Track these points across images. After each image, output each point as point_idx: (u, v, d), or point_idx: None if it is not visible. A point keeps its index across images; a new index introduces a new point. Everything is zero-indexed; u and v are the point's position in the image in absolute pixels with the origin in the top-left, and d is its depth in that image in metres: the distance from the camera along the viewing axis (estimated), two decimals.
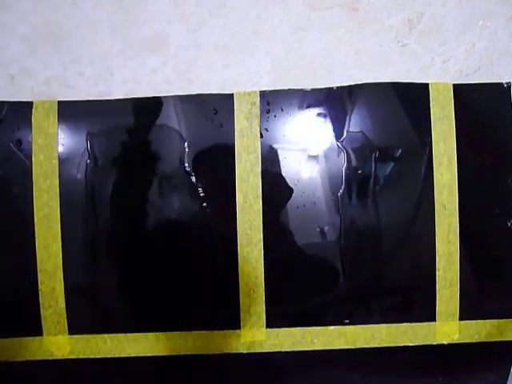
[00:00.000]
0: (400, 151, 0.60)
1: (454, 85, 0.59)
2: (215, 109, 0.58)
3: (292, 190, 0.59)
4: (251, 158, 0.58)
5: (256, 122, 0.58)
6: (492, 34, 0.58)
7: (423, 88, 0.59)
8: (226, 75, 0.58)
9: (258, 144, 0.58)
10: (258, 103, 0.58)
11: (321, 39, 0.57)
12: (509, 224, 0.60)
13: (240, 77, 0.58)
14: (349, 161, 0.59)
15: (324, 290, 0.61)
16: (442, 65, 0.59)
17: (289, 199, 0.59)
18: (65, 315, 0.58)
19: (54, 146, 0.57)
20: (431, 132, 0.59)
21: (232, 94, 0.58)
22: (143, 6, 0.54)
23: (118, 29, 0.55)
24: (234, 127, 0.58)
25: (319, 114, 0.59)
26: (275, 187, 0.59)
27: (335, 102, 0.59)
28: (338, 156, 0.59)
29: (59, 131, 0.58)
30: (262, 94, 0.58)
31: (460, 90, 0.59)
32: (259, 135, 0.58)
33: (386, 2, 0.55)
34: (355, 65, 0.59)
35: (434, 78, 0.60)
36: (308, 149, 0.59)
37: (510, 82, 0.60)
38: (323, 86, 0.58)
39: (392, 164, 0.60)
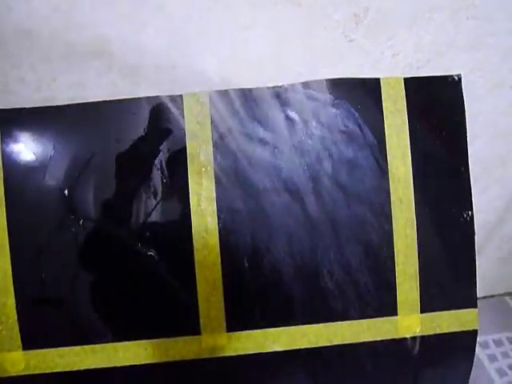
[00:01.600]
0: (362, 146, 0.59)
1: (404, 78, 0.59)
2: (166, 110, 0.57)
3: (261, 189, 0.58)
4: (203, 159, 0.57)
5: (207, 122, 0.57)
6: (439, 27, 0.59)
7: (375, 82, 0.59)
8: (173, 76, 0.56)
9: (210, 145, 0.57)
10: (207, 104, 0.57)
11: (268, 37, 0.56)
12: (464, 215, 0.61)
13: (187, 78, 0.57)
14: (310, 155, 0.59)
15: (284, 290, 0.60)
16: (391, 59, 0.59)
17: (257, 199, 0.58)
18: (17, 330, 0.56)
19: None
20: (384, 125, 0.59)
21: (181, 96, 0.57)
22: (81, 10, 0.52)
23: (58, 33, 0.53)
24: (185, 129, 0.57)
25: (274, 112, 0.59)
26: (238, 188, 0.58)
27: (288, 99, 0.58)
28: (296, 151, 0.58)
29: (2, 139, 0.56)
30: (211, 94, 0.57)
31: (411, 84, 0.59)
32: (211, 136, 0.57)
33: None
34: (305, 61, 0.58)
35: (385, 72, 0.60)
36: (265, 145, 0.58)
37: (460, 74, 0.60)
38: (274, 84, 0.57)
39: (355, 158, 0.59)
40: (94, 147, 0.57)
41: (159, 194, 0.58)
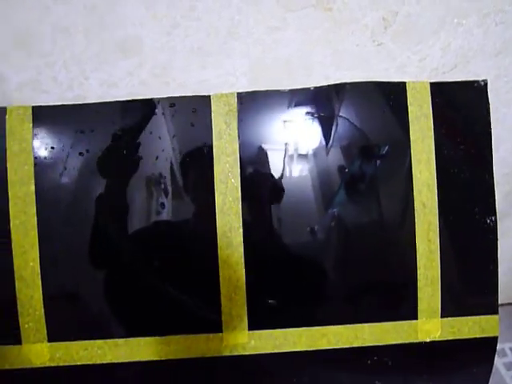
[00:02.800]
0: (386, 149, 0.60)
1: (430, 83, 0.59)
2: (193, 110, 0.58)
3: (284, 190, 0.58)
4: (229, 159, 0.58)
5: (234, 123, 0.58)
6: (467, 32, 0.59)
7: (401, 87, 0.59)
8: (202, 77, 0.57)
9: (237, 146, 0.58)
10: (235, 105, 0.58)
11: (297, 39, 0.57)
12: (488, 220, 0.61)
13: (217, 78, 0.57)
14: (333, 160, 0.59)
15: (307, 291, 0.60)
16: (418, 63, 0.59)
17: (281, 199, 0.59)
18: (44, 323, 0.57)
19: (29, 151, 0.57)
20: (409, 130, 0.59)
21: (209, 96, 0.57)
22: (115, 9, 0.53)
23: (92, 32, 0.55)
24: (212, 129, 0.58)
25: (299, 114, 0.59)
26: (263, 188, 0.59)
27: (313, 102, 0.59)
28: (323, 155, 0.59)
29: (34, 137, 0.57)
30: (240, 95, 0.58)
31: (437, 89, 0.60)
32: (237, 137, 0.58)
33: (360, 2, 0.55)
34: (332, 64, 0.59)
35: (411, 76, 0.60)
36: (288, 149, 0.59)
37: (486, 80, 0.60)
38: (301, 87, 0.58)
39: (378, 162, 0.60)
40: (122, 144, 0.58)
41: (184, 193, 0.58)
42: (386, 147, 0.59)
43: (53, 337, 0.58)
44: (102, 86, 0.57)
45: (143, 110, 0.58)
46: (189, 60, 0.56)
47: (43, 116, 0.57)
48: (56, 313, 0.58)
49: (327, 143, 0.59)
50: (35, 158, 0.57)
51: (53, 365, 0.58)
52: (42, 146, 0.57)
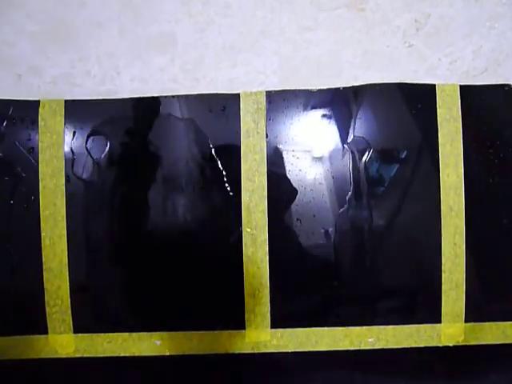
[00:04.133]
0: (406, 153, 0.59)
1: (460, 86, 0.59)
2: (223, 108, 0.58)
3: (296, 190, 0.59)
4: (257, 157, 0.58)
5: (262, 122, 0.58)
6: (499, 36, 0.58)
7: (430, 89, 0.59)
8: (232, 75, 0.58)
9: (264, 144, 0.58)
10: (264, 103, 0.58)
11: (328, 39, 0.57)
12: None
13: (247, 76, 0.58)
14: (354, 162, 0.59)
15: (329, 291, 0.60)
16: (448, 66, 0.59)
17: (293, 200, 0.59)
18: (70, 314, 0.58)
19: (60, 144, 0.58)
20: (437, 133, 0.59)
21: (238, 94, 0.58)
22: (151, 5, 0.53)
23: (126, 27, 0.55)
24: (240, 127, 0.58)
25: (325, 115, 0.59)
26: (281, 188, 0.59)
27: (342, 102, 0.59)
28: (343, 157, 0.59)
29: (66, 130, 0.58)
30: (269, 94, 0.58)
31: (467, 92, 0.59)
32: (265, 135, 0.58)
33: (393, 3, 0.55)
34: (362, 65, 0.58)
35: (441, 79, 0.60)
36: (313, 150, 0.59)
37: None
38: (330, 87, 0.58)
39: (397, 166, 0.60)
40: (150, 140, 0.59)
41: (210, 189, 0.59)
42: (405, 152, 0.59)
43: (78, 328, 0.59)
44: (133, 81, 0.57)
45: (171, 106, 0.58)
46: (220, 57, 0.56)
47: (75, 109, 0.57)
48: (82, 304, 0.59)
49: (347, 144, 0.59)
50: (66, 150, 0.57)
51: (78, 356, 0.59)
52: (73, 139, 0.58)
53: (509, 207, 0.60)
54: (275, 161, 0.59)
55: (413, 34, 0.57)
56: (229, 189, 0.59)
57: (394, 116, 0.60)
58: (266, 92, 0.58)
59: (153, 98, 0.58)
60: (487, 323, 0.61)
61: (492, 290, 0.61)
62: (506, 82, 0.60)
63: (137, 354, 0.59)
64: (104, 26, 0.55)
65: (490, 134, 0.60)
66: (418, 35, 0.58)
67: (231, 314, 0.59)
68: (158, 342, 0.59)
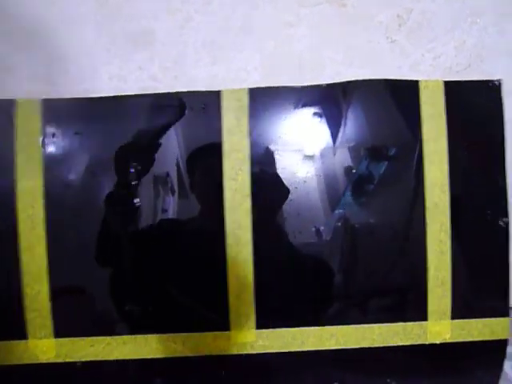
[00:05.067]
0: (394, 150, 0.59)
1: (444, 82, 0.59)
2: (203, 106, 0.57)
3: (288, 190, 0.58)
4: (240, 156, 0.57)
5: (244, 119, 0.57)
6: (481, 31, 0.58)
7: (414, 85, 0.59)
8: (213, 72, 0.57)
9: (247, 142, 0.57)
10: (246, 100, 0.57)
11: (310, 35, 0.56)
12: (500, 222, 0.60)
13: (228, 73, 0.57)
14: (343, 160, 0.58)
15: (315, 291, 0.60)
16: (432, 61, 0.59)
17: (285, 199, 0.58)
18: (50, 318, 0.57)
19: (37, 145, 0.56)
20: (422, 130, 0.59)
21: (219, 92, 0.57)
22: (128, 2, 0.52)
23: (103, 25, 0.54)
24: (222, 125, 0.57)
25: (310, 113, 0.59)
26: (269, 187, 0.58)
27: (325, 99, 0.58)
28: (333, 155, 0.58)
29: (43, 130, 0.56)
30: (251, 91, 0.57)
31: (451, 88, 0.59)
32: (248, 133, 0.57)
33: None
34: (345, 61, 0.58)
35: (424, 74, 0.59)
36: (301, 148, 0.59)
37: (500, 80, 0.59)
38: (313, 84, 0.57)
39: (386, 163, 0.59)
40: (128, 139, 0.58)
41: (193, 189, 0.58)
42: (394, 149, 0.59)
43: (59, 332, 0.57)
44: (112, 79, 0.56)
45: (153, 104, 0.57)
46: (200, 54, 0.55)
47: (52, 109, 0.56)
48: (63, 308, 0.57)
49: (334, 142, 0.58)
50: (44, 151, 0.56)
51: (59, 361, 0.57)
52: (51, 139, 0.56)
53: (493, 203, 0.60)
54: (260, 159, 0.58)
55: (395, 29, 0.57)
56: (211, 189, 0.58)
57: (382, 113, 0.60)
58: (249, 89, 0.57)
59: (131, 96, 0.56)
60: (473, 320, 0.61)
61: (478, 286, 0.61)
62: (490, 78, 0.59)
63: (120, 358, 0.58)
64: (80, 23, 0.54)
65: (474, 130, 0.60)
66: (400, 31, 0.57)
67: (216, 315, 0.58)
68: (142, 345, 0.58)
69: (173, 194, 0.58)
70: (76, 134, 0.57)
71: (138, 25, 0.54)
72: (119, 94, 0.56)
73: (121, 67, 0.56)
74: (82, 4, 0.52)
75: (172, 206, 0.58)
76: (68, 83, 0.56)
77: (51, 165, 0.57)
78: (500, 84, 0.59)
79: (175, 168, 0.58)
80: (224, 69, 0.56)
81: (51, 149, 0.57)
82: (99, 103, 0.57)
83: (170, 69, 0.56)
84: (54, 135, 0.57)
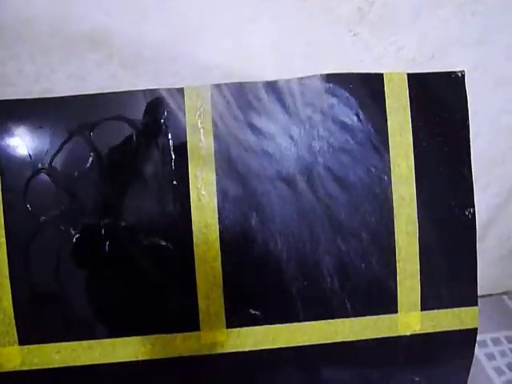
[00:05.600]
0: (363, 144, 0.59)
1: (408, 74, 0.59)
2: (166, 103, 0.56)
3: (261, 184, 0.57)
4: (203, 153, 0.56)
5: (208, 117, 0.56)
6: (444, 22, 0.58)
7: (378, 78, 0.59)
8: (174, 69, 0.56)
9: (211, 140, 0.56)
10: (209, 97, 0.56)
11: (271, 30, 0.55)
12: (466, 212, 0.60)
13: (189, 70, 0.56)
14: (310, 156, 0.58)
15: (285, 288, 0.59)
16: (395, 54, 0.59)
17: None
18: (14, 325, 0.55)
19: None
20: (387, 123, 0.59)
21: (182, 89, 0.56)
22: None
23: (58, 23, 0.52)
24: (186, 123, 0.56)
25: (274, 106, 0.58)
26: (239, 183, 0.58)
27: (288, 93, 0.58)
28: (292, 150, 0.58)
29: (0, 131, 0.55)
30: (213, 87, 0.56)
31: (414, 80, 0.59)
32: (212, 131, 0.56)
33: None
34: (307, 55, 0.57)
35: (388, 67, 0.59)
36: (265, 145, 0.58)
37: (463, 71, 0.59)
38: (275, 79, 0.57)
39: (355, 156, 0.59)
40: (91, 140, 0.56)
41: (158, 189, 0.57)
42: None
43: (24, 339, 0.56)
44: (70, 78, 0.55)
45: (114, 103, 0.56)
46: (160, 52, 0.54)
47: (9, 110, 0.54)
48: (27, 314, 0.56)
49: (301, 137, 0.58)
50: (1, 153, 0.54)
51: (25, 368, 0.56)
52: (8, 141, 0.55)
53: (459, 195, 0.61)
54: (224, 156, 0.57)
55: (357, 22, 0.57)
56: (177, 188, 0.57)
57: (347, 107, 0.59)
58: (211, 86, 0.56)
59: (92, 95, 0.55)
60: (443, 310, 0.61)
61: (446, 277, 0.62)
62: (453, 70, 0.59)
63: (88, 363, 0.57)
64: (34, 21, 0.52)
65: (439, 122, 0.60)
66: (362, 24, 0.57)
67: (185, 315, 0.58)
68: (110, 350, 0.57)
69: (141, 194, 0.57)
70: (33, 134, 0.55)
71: (93, 23, 0.52)
72: (77, 94, 0.55)
73: (78, 66, 0.55)
74: (35, 3, 0.51)
75: (140, 207, 0.57)
76: (24, 83, 0.54)
77: (8, 169, 0.55)
78: (464, 75, 0.60)
79: (148, 167, 0.57)
80: (185, 66, 0.55)
81: (8, 152, 0.55)
82: (57, 103, 0.55)
83: (129, 67, 0.55)
84: (8, 137, 0.55)
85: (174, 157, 0.57)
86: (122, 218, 0.57)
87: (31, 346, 0.56)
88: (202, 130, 0.56)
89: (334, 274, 0.60)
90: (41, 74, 0.55)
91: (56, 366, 0.57)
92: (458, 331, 0.62)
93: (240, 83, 0.56)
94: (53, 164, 0.56)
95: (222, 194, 0.57)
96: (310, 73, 0.57)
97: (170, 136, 0.57)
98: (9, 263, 0.55)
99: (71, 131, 0.56)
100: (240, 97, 0.57)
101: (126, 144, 0.56)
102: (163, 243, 0.58)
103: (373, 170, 0.59)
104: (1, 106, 0.54)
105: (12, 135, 0.55)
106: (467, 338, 0.63)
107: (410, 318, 0.61)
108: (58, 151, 0.56)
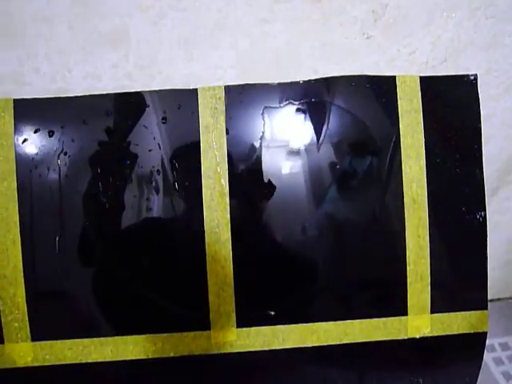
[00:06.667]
0: (377, 145, 0.59)
1: (420, 77, 0.59)
2: (179, 103, 0.57)
3: (275, 186, 0.57)
4: (217, 154, 0.57)
5: (221, 117, 0.57)
6: (457, 26, 0.58)
7: (391, 80, 0.59)
8: (188, 70, 0.56)
9: (224, 140, 0.57)
10: (223, 98, 0.57)
11: (285, 32, 0.56)
12: (477, 216, 0.60)
13: (203, 71, 0.56)
14: (326, 157, 0.58)
15: (296, 288, 0.60)
16: (408, 57, 0.59)
17: (270, 196, 0.58)
18: (27, 321, 0.56)
19: (10, 146, 0.55)
20: (399, 125, 0.59)
21: (196, 89, 0.56)
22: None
23: (76, 23, 0.53)
24: (199, 123, 0.56)
25: (288, 108, 0.58)
26: (251, 184, 0.58)
27: (303, 95, 0.58)
28: (318, 152, 0.58)
29: (16, 131, 0.55)
30: (228, 88, 0.57)
31: (427, 83, 0.59)
32: (225, 131, 0.57)
33: None
34: (321, 57, 0.58)
35: (401, 70, 0.59)
36: (284, 145, 0.58)
37: (476, 74, 0.60)
38: (290, 80, 0.57)
39: (370, 158, 0.59)
40: (106, 139, 0.57)
41: (172, 188, 0.57)
42: (376, 145, 0.59)
43: (36, 336, 0.56)
44: (86, 78, 0.55)
45: (130, 103, 0.56)
46: (175, 52, 0.55)
47: (25, 109, 0.55)
48: (40, 311, 0.57)
49: (318, 139, 0.58)
50: (17, 152, 0.55)
51: (37, 364, 0.57)
52: (24, 140, 0.55)
53: (471, 197, 0.60)
54: (237, 157, 0.57)
55: (371, 24, 0.57)
56: (189, 188, 0.57)
57: (360, 108, 0.59)
58: (225, 86, 0.57)
59: (102, 95, 0.55)
60: (452, 313, 0.61)
61: (456, 280, 0.62)
62: (466, 73, 0.60)
63: (100, 360, 0.57)
64: (53, 21, 0.53)
65: (451, 125, 0.60)
66: (376, 26, 0.57)
67: (195, 314, 0.58)
68: (121, 347, 0.57)
69: (153, 193, 0.57)
70: (49, 133, 0.56)
71: (111, 23, 0.53)
72: (94, 93, 0.56)
73: (95, 66, 0.55)
74: (54, 3, 0.51)
75: (153, 206, 0.58)
76: (40, 83, 0.55)
77: (25, 166, 0.56)
78: (476, 78, 0.60)
79: (155, 166, 0.57)
80: (200, 66, 0.56)
81: (24, 149, 0.56)
82: (74, 102, 0.56)
83: (145, 67, 0.56)
84: (27, 135, 0.55)
85: (188, 156, 0.57)
86: (135, 216, 0.57)
87: (43, 343, 0.57)
88: (215, 131, 0.56)
89: (345, 276, 0.60)
90: (57, 74, 0.55)
91: (68, 362, 0.57)
92: (467, 335, 0.62)
93: (254, 84, 0.57)
94: (66, 163, 0.56)
95: (235, 194, 0.57)
96: (324, 75, 0.57)
97: (184, 136, 0.57)
98: (23, 260, 0.55)
99: (86, 130, 0.56)
100: (254, 98, 0.57)
101: (141, 143, 0.57)
102: (175, 242, 0.58)
103: (385, 172, 0.59)
104: (17, 105, 0.55)
105: (28, 133, 0.56)
106: (476, 341, 0.63)
107: (420, 321, 0.61)
108: (72, 150, 0.56)
